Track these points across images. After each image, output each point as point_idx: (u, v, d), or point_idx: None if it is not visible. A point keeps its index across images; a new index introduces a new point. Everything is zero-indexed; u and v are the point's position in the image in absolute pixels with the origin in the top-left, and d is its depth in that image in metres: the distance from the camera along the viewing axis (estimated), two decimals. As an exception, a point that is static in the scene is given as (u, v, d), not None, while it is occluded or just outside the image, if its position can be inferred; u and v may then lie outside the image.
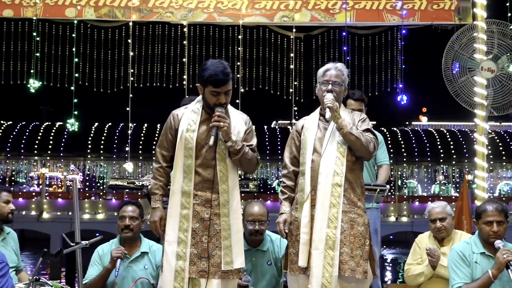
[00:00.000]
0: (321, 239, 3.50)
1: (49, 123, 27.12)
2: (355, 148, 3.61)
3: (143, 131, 25.33)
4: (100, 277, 4.18)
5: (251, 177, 29.76)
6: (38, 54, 10.92)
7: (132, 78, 11.93)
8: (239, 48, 11.29)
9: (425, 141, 26.73)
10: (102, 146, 25.65)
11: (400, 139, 26.51)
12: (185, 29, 10.14)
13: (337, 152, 3.60)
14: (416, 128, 33.37)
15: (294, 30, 10.16)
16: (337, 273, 3.46)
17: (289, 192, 3.77)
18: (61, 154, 25.70)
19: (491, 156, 23.14)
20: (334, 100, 3.62)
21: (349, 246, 3.52)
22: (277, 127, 34.33)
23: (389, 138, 24.24)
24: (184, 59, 11.20)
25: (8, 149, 25.42)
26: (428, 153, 26.35)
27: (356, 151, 3.63)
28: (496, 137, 25.91)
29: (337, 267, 3.47)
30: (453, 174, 28.77)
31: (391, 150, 21.71)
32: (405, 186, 39.67)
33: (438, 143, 26.54)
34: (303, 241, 3.57)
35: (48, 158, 25.99)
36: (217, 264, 3.45)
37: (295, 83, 12.19)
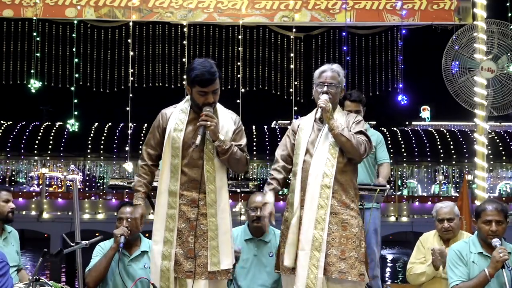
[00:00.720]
0: (308, 240, 3.49)
1: (49, 123, 27.11)
2: (346, 150, 3.59)
3: (143, 131, 25.30)
4: (105, 258, 4.16)
5: (251, 177, 29.75)
6: (38, 54, 10.92)
7: (132, 78, 11.92)
8: (239, 48, 11.29)
9: (425, 141, 26.73)
10: (102, 146, 25.65)
11: (400, 139, 26.49)
12: (185, 29, 10.14)
13: (328, 154, 3.59)
14: (416, 128, 33.35)
15: (294, 30, 10.16)
16: (321, 274, 3.44)
17: (276, 184, 3.72)
18: (61, 154, 25.70)
19: (491, 156, 23.14)
20: (328, 101, 3.62)
21: (339, 248, 3.49)
22: (277, 127, 34.28)
23: (389, 138, 24.23)
24: (184, 59, 11.20)
25: (8, 149, 25.41)
26: (428, 153, 26.35)
27: (347, 152, 3.61)
28: (496, 137, 25.91)
29: (322, 268, 3.44)
30: (453, 174, 28.77)
31: (391, 150, 21.71)
32: (405, 186, 39.68)
33: (438, 143, 26.54)
34: (290, 241, 3.56)
35: (48, 158, 25.99)
36: (204, 265, 3.43)
37: (295, 83, 12.19)
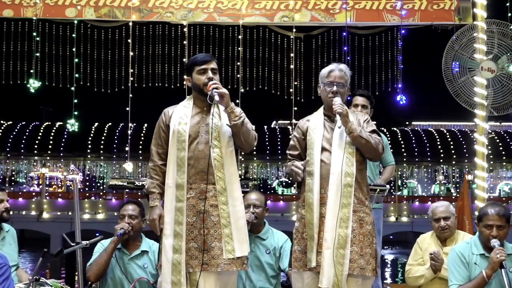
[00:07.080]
0: (333, 238, 3.52)
1: (49, 123, 27.12)
2: (365, 151, 3.63)
3: (143, 131, 25.30)
4: (105, 252, 4.17)
5: (251, 177, 29.78)
6: (38, 54, 10.90)
7: (132, 78, 11.90)
8: (239, 48, 11.27)
9: (425, 141, 26.74)
10: (102, 146, 25.66)
11: (400, 139, 26.51)
12: (185, 29, 10.13)
13: (346, 153, 3.61)
14: (416, 128, 33.36)
15: (294, 30, 10.14)
16: (347, 272, 3.48)
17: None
18: (61, 154, 25.72)
19: (491, 156, 23.15)
20: (343, 104, 3.63)
21: (359, 244, 3.54)
22: (277, 127, 34.28)
23: (389, 138, 24.15)
24: (184, 59, 11.18)
25: (8, 149, 25.42)
26: (428, 153, 26.36)
27: (366, 153, 3.65)
28: (496, 137, 25.92)
29: (347, 266, 3.49)
30: (453, 174, 28.78)
31: (391, 150, 21.69)
32: (405, 186, 39.68)
33: (438, 143, 26.56)
34: (314, 240, 3.56)
35: (48, 158, 26.00)
36: (217, 256, 3.43)
37: (295, 83, 12.16)
